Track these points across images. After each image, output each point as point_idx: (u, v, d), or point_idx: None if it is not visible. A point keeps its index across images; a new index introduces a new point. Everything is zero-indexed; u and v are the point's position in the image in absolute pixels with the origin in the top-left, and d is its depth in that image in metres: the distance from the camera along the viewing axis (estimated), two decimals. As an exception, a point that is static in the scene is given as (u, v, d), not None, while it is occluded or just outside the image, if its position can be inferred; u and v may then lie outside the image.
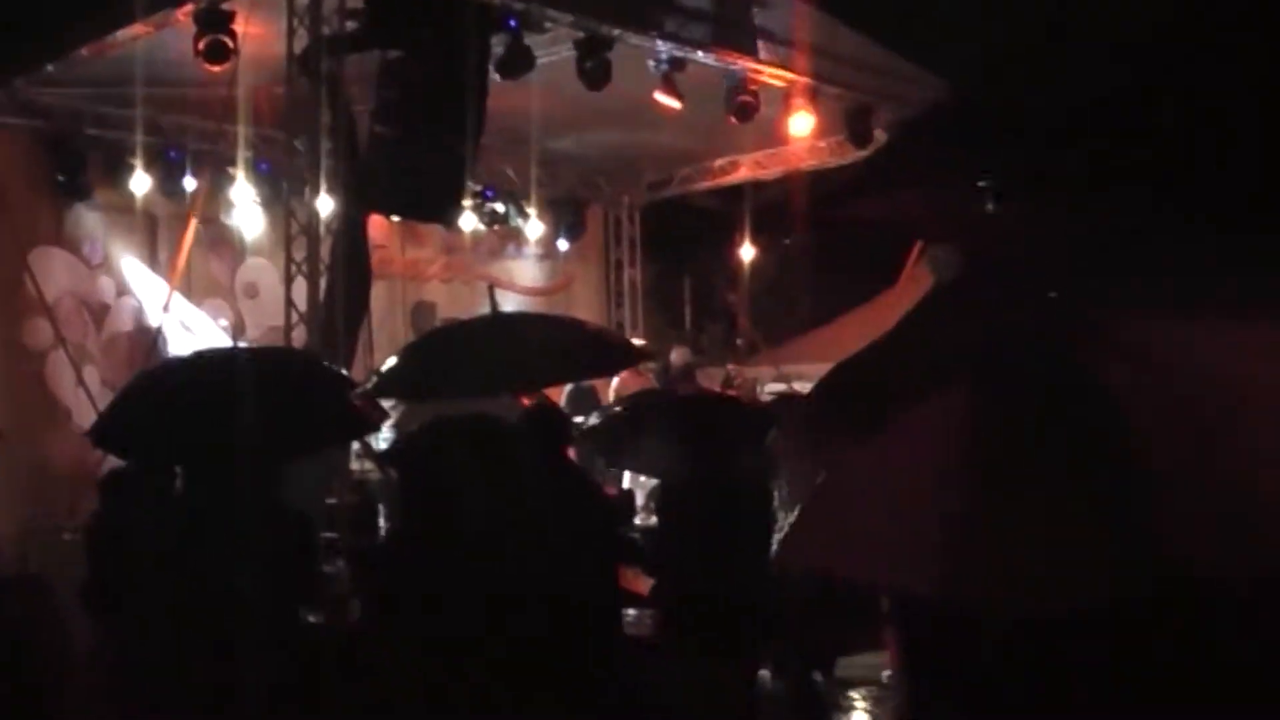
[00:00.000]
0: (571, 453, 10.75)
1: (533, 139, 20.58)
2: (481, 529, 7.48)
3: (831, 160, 21.40)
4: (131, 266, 18.90)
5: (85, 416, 16.70)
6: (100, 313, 18.52)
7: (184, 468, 9.51)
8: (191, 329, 18.96)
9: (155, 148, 18.48)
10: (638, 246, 24.96)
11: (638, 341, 22.59)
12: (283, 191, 15.82)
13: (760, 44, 17.11)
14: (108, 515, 10.09)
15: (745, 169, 22.49)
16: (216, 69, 14.88)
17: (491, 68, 15.09)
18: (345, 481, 13.99)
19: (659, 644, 10.03)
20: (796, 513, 4.66)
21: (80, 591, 9.87)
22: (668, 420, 11.21)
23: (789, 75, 17.75)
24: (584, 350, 14.10)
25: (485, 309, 20.49)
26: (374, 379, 13.51)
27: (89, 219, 18.57)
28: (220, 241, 19.56)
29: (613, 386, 17.77)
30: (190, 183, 18.57)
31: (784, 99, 18.16)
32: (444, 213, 17.18)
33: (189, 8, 14.65)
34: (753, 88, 17.54)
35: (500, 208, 22.37)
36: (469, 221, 21.62)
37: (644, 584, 10.51)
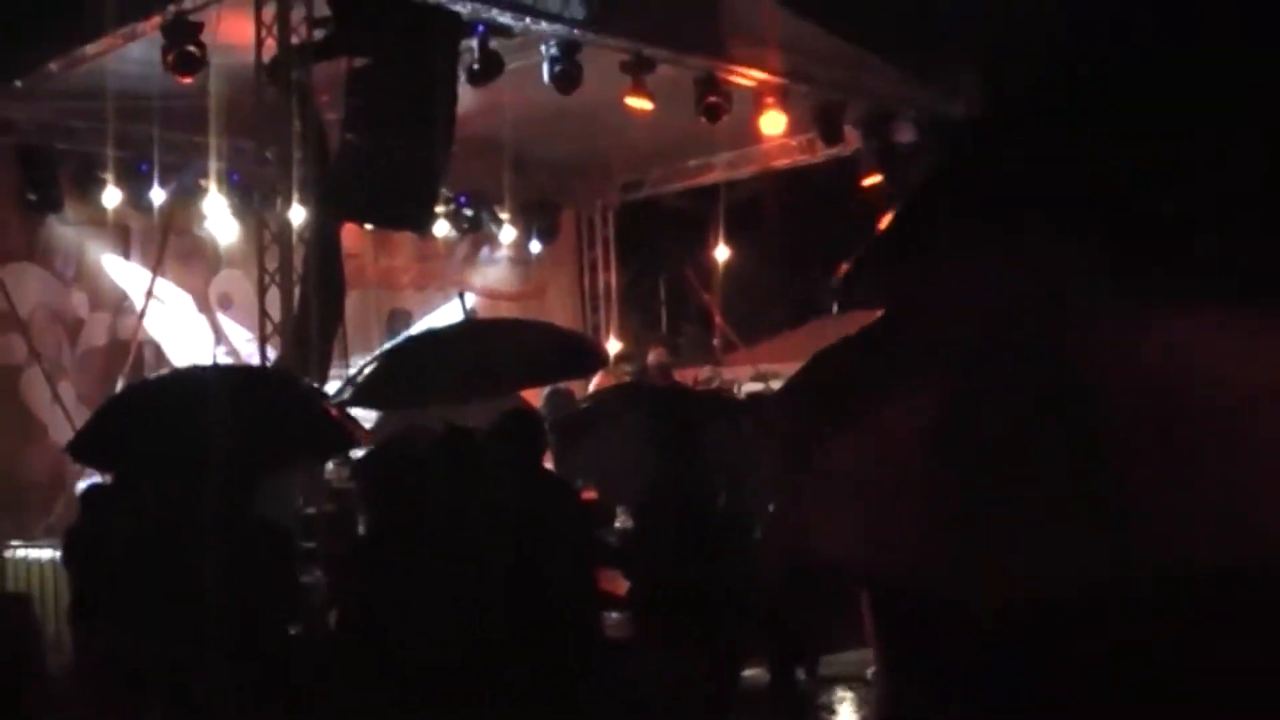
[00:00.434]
0: (548, 457, 10.75)
1: (504, 143, 20.57)
2: (454, 536, 7.48)
3: (803, 158, 21.41)
4: (110, 262, 18.87)
5: (61, 432, 16.67)
6: (74, 327, 18.49)
7: (162, 481, 9.50)
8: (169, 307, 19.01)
9: (126, 160, 18.45)
10: (612, 249, 24.93)
11: (614, 344, 22.66)
12: (255, 201, 15.80)
13: (729, 43, 17.09)
14: (87, 527, 10.08)
15: (718, 169, 22.49)
16: (186, 80, 14.85)
17: (461, 74, 15.07)
18: (323, 490, 13.94)
19: (638, 645, 10.02)
20: (780, 498, 4.69)
21: (68, 610, 9.88)
22: (640, 415, 11.23)
23: (758, 74, 17.74)
24: (557, 354, 14.15)
25: (459, 316, 20.69)
26: (348, 389, 13.53)
27: (61, 233, 18.53)
28: (193, 253, 19.51)
29: (590, 389, 17.77)
30: (161, 195, 18.51)
31: (754, 98, 18.15)
32: (416, 220, 17.15)
33: (156, 20, 14.61)
34: (722, 87, 17.52)
35: (473, 213, 22.34)
36: (442, 228, 21.62)
37: (623, 586, 10.52)
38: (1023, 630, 4.28)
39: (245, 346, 18.72)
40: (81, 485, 12.57)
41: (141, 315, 17.16)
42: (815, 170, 21.91)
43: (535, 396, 15.85)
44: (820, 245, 25.84)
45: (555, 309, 23.83)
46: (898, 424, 4.55)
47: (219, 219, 19.03)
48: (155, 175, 18.46)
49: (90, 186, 18.40)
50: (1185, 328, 4.29)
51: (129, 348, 17.96)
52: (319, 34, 14.08)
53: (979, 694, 4.52)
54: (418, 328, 20.93)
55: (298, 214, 14.36)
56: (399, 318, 21.59)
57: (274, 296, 14.10)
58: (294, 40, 13.88)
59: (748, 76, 17.69)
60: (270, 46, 13.96)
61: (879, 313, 5.01)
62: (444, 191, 18.56)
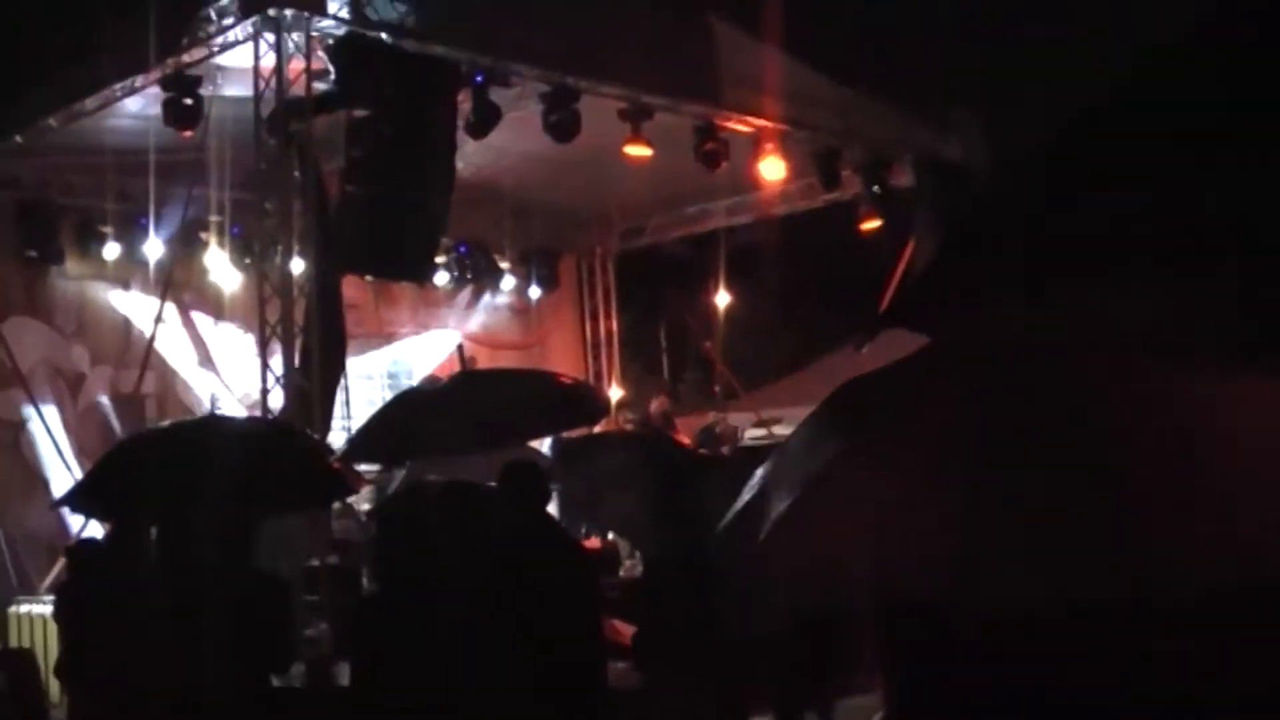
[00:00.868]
0: (552, 508, 10.72)
1: (504, 192, 20.62)
2: (462, 591, 7.46)
3: (802, 203, 21.43)
4: (116, 297, 18.89)
5: (63, 486, 16.64)
6: (76, 381, 18.48)
7: (158, 532, 9.48)
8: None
9: (126, 214, 18.48)
10: (613, 296, 24.97)
11: (615, 390, 22.64)
12: (255, 254, 15.81)
13: (726, 90, 17.11)
14: (76, 583, 10.04)
15: (717, 216, 22.51)
16: (186, 133, 14.89)
17: (460, 124, 15.10)
18: (326, 543, 13.92)
19: (644, 694, 9.97)
20: (783, 508, 4.72)
21: (56, 664, 9.84)
22: (647, 463, 11.22)
23: (756, 121, 17.77)
24: (559, 404, 14.11)
25: (458, 366, 20.69)
26: (349, 443, 13.51)
27: (62, 287, 18.54)
28: (194, 306, 19.53)
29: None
30: (161, 249, 18.52)
31: (753, 144, 18.18)
32: (417, 269, 17.18)
33: (155, 74, 14.66)
34: (720, 134, 17.55)
35: (473, 262, 22.37)
36: (442, 277, 21.65)
37: (628, 635, 10.48)
38: (1025, 643, 4.30)
39: (246, 398, 18.71)
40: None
41: (151, 340, 17.08)
42: (814, 215, 21.89)
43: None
44: (820, 290, 25.94)
45: (556, 356, 23.84)
46: (908, 442, 4.59)
47: (220, 272, 19.09)
48: (155, 229, 18.46)
49: (90, 240, 18.43)
50: (1193, 370, 4.33)
51: (130, 401, 17.92)
52: (318, 87, 14.11)
53: (980, 707, 4.54)
54: (418, 378, 20.93)
55: (298, 265, 14.37)
56: (400, 368, 21.58)
57: (275, 348, 14.09)
58: (293, 93, 13.90)
59: (746, 123, 17.71)
60: (269, 100, 13.99)
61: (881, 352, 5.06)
62: (444, 240, 18.56)
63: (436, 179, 14.73)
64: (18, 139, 16.60)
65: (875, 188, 19.90)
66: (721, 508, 9.54)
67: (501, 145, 16.14)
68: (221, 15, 14.00)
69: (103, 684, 8.86)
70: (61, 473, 17.23)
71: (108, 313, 18.95)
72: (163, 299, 16.95)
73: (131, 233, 18.49)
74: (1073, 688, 4.35)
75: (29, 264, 18.19)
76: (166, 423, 16.40)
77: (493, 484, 9.18)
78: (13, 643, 14.84)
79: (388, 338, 21.62)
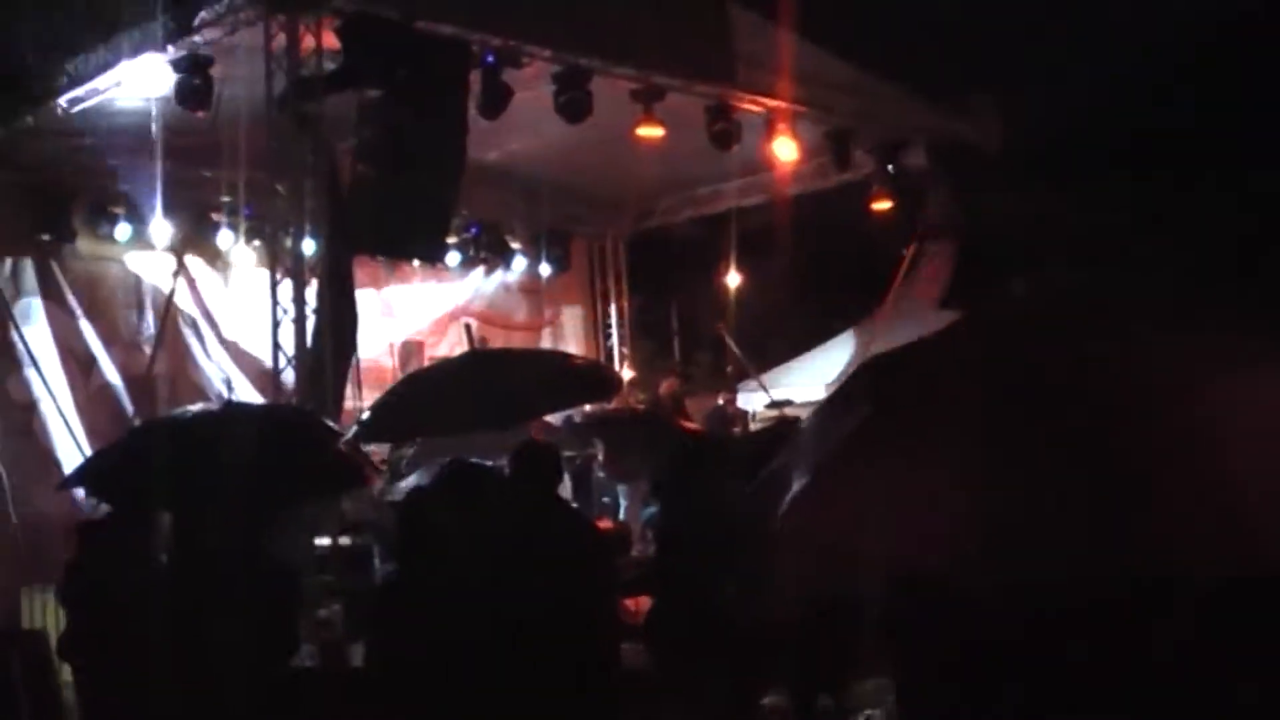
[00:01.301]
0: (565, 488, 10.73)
1: (516, 173, 20.60)
2: (478, 572, 7.46)
3: (814, 184, 21.37)
4: (132, 259, 18.91)
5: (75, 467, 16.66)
6: (87, 363, 18.45)
7: (167, 515, 9.47)
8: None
9: (137, 195, 18.46)
10: (624, 277, 24.97)
11: (626, 372, 22.64)
12: (267, 234, 15.81)
13: (739, 70, 17.07)
14: (85, 564, 10.02)
15: (729, 197, 22.45)
16: (198, 114, 14.88)
17: (471, 104, 15.07)
18: (337, 523, 13.92)
19: (658, 673, 9.97)
20: (801, 485, 4.73)
21: (59, 642, 9.84)
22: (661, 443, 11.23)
23: (768, 101, 17.73)
24: (571, 378, 14.11)
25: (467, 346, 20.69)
26: (360, 424, 13.50)
27: (74, 269, 18.53)
28: (205, 287, 19.54)
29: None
30: (173, 230, 18.55)
31: (765, 125, 18.14)
32: (429, 250, 17.17)
33: (166, 55, 14.65)
34: (732, 115, 17.52)
35: (485, 242, 22.36)
36: (454, 258, 21.63)
37: (642, 615, 10.49)
38: (1038, 631, 4.30)
39: (258, 380, 18.72)
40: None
41: (163, 322, 17.02)
42: (826, 196, 21.83)
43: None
44: (832, 271, 25.90)
45: (568, 338, 23.88)
46: (929, 423, 4.59)
47: (231, 253, 19.12)
48: (167, 210, 18.47)
49: (102, 222, 18.42)
50: (1206, 347, 4.32)
51: (142, 383, 17.92)
52: (329, 66, 14.08)
53: (990, 688, 4.54)
54: (429, 359, 20.93)
55: (310, 246, 14.37)
56: (410, 348, 21.56)
57: (286, 329, 14.08)
58: (304, 73, 13.88)
59: (758, 104, 17.68)
60: (280, 79, 13.97)
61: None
62: (456, 221, 18.53)
63: (448, 159, 14.71)
64: (29, 120, 16.60)
65: (888, 168, 19.86)
66: (732, 489, 9.56)
67: (512, 126, 16.09)
68: (233, -4, 13.99)
69: (110, 665, 8.85)
70: (74, 454, 17.20)
71: (120, 294, 18.94)
72: (174, 280, 16.93)
73: (143, 214, 18.47)
74: (1084, 665, 4.35)
75: (41, 245, 18.18)
76: (187, 408, 16.40)
77: (504, 464, 9.20)
78: (25, 625, 14.85)
79: (399, 317, 21.62)
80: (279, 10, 13.79)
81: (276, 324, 14.11)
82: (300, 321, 13.97)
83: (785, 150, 18.53)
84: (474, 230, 22.01)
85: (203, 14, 14.19)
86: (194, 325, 19.37)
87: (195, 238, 18.81)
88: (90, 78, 15.57)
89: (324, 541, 13.66)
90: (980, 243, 20.34)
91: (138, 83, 15.42)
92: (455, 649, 7.38)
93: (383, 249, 16.78)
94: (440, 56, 14.60)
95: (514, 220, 22.95)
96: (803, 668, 10.62)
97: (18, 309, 17.81)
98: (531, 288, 23.68)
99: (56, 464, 17.58)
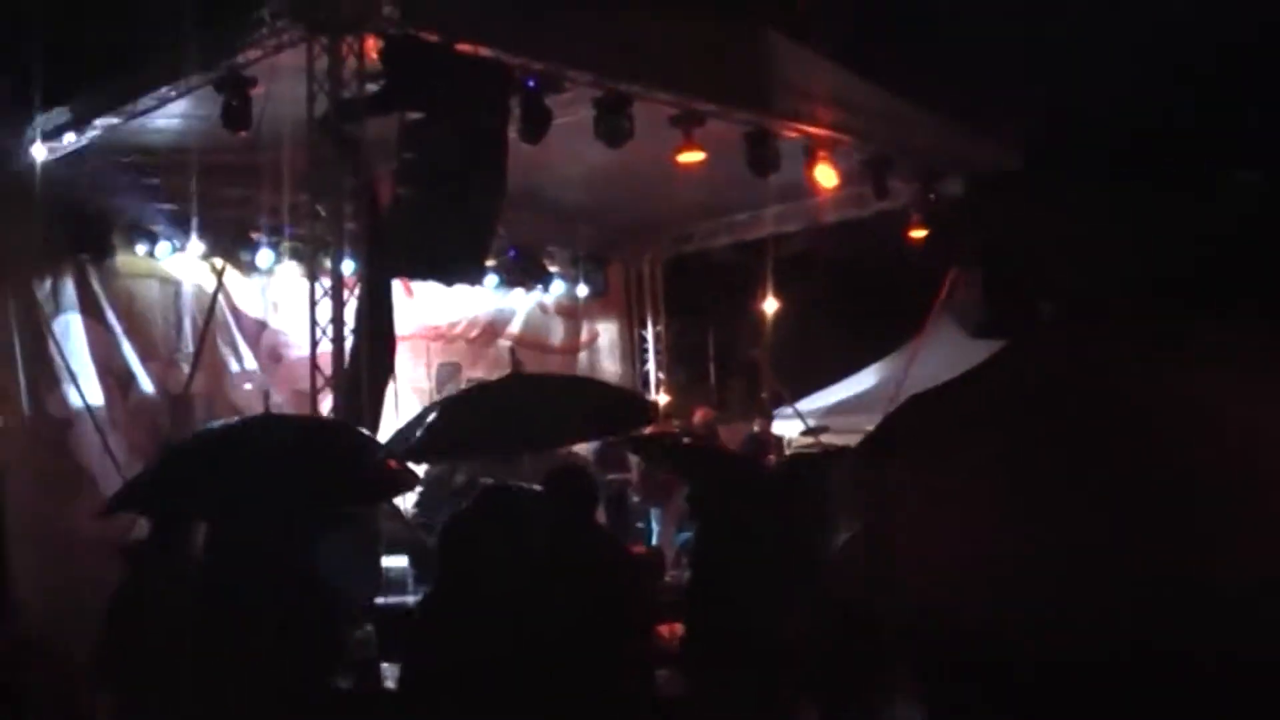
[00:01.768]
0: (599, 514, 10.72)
1: (555, 197, 20.64)
2: (513, 595, 7.47)
3: (852, 212, 21.35)
4: (168, 295, 18.96)
5: (111, 484, 16.68)
6: (125, 380, 18.50)
7: (209, 531, 9.50)
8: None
9: (177, 214, 18.55)
10: (660, 302, 24.98)
11: (661, 397, 22.64)
12: (306, 256, 15.86)
13: (778, 97, 17.08)
14: (132, 584, 10.06)
15: (767, 223, 22.44)
16: (239, 134, 14.93)
17: (512, 128, 15.10)
18: (374, 544, 13.93)
19: (691, 700, 9.96)
20: (845, 539, 4.73)
21: (97, 661, 9.87)
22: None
23: (808, 129, 17.73)
24: (607, 407, 14.11)
25: (508, 369, 20.73)
26: (398, 441, 13.52)
27: (113, 286, 18.58)
28: (244, 306, 19.60)
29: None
30: (213, 249, 18.66)
31: (804, 152, 18.13)
32: (467, 273, 17.20)
33: (209, 75, 14.72)
34: (772, 142, 17.51)
35: (523, 266, 22.41)
36: (492, 280, 21.68)
37: (676, 641, 10.48)
38: (1067, 690, 4.26)
39: (294, 400, 18.77)
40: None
41: (201, 340, 16.98)
42: (863, 223, 21.81)
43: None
44: (869, 299, 25.89)
45: (603, 361, 23.90)
46: (966, 475, 4.56)
47: (269, 272, 19.21)
48: (207, 229, 18.58)
49: (141, 239, 18.48)
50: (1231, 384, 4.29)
51: (180, 401, 17.96)
52: (370, 88, 14.12)
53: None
54: (466, 381, 20.97)
55: (349, 267, 14.41)
56: (447, 371, 21.59)
57: (325, 350, 14.11)
58: (346, 94, 13.92)
59: (798, 130, 17.68)
60: (322, 101, 14.00)
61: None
62: (494, 244, 18.55)
63: (488, 183, 14.72)
64: (71, 137, 16.68)
65: (926, 197, 19.84)
66: (767, 515, 9.54)
67: (551, 149, 16.09)
68: (276, 17, 14.03)
69: (149, 684, 8.88)
70: (110, 471, 17.27)
71: (158, 312, 18.99)
72: (213, 299, 16.97)
73: (183, 232, 18.56)
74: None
75: (80, 263, 18.24)
76: (224, 421, 16.44)
77: (538, 487, 9.21)
78: (54, 640, 14.87)
79: (437, 340, 21.65)
80: (321, 31, 13.83)
81: (315, 344, 14.14)
82: (339, 342, 13.99)
83: (824, 177, 18.52)
84: (512, 253, 22.05)
85: (245, 35, 14.27)
86: (232, 344, 19.41)
87: (235, 256, 18.85)
88: (132, 98, 15.65)
89: (390, 563, 13.68)
90: (1011, 268, 20.31)
91: (179, 102, 15.50)
92: (489, 671, 7.38)
93: (421, 272, 16.80)
94: (482, 80, 14.63)
95: (552, 244, 23.00)
96: (835, 697, 10.61)
97: (56, 325, 17.87)
98: (568, 311, 23.71)
99: (92, 480, 17.63)
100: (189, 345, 18.59)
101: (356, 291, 14.24)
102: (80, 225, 18.02)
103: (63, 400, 17.78)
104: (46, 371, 17.71)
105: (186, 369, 18.07)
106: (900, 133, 18.64)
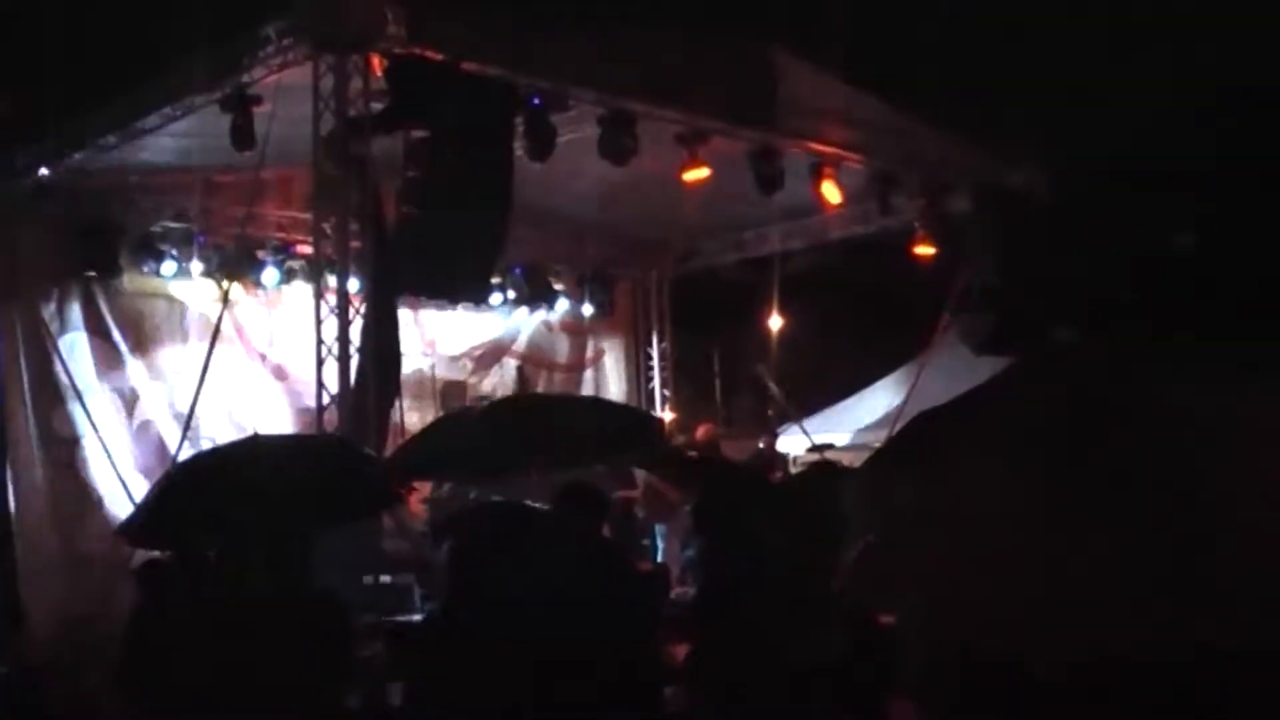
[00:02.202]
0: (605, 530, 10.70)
1: (561, 215, 20.64)
2: (521, 613, 7.46)
3: (858, 228, 21.34)
4: (174, 314, 18.99)
5: (118, 503, 16.73)
6: (131, 399, 18.51)
7: (216, 556, 9.52)
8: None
9: (183, 232, 18.59)
10: (666, 319, 24.97)
11: (668, 414, 22.62)
12: (312, 273, 15.87)
13: (784, 115, 17.07)
14: (146, 604, 10.08)
15: (773, 240, 22.41)
16: (245, 152, 14.94)
17: (517, 146, 15.11)
18: (379, 562, 13.92)
19: (701, 716, 9.93)
20: (857, 552, 4.72)
21: (118, 678, 9.87)
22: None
23: (813, 145, 17.74)
24: (616, 431, 14.07)
25: (514, 388, 20.73)
26: (402, 458, 13.50)
27: (119, 304, 18.60)
28: (250, 324, 19.61)
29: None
30: (220, 267, 18.67)
31: (810, 169, 18.13)
32: (473, 291, 17.21)
33: (215, 93, 14.74)
34: (777, 160, 17.50)
35: (528, 284, 22.40)
36: (498, 298, 21.67)
37: (681, 658, 10.45)
38: (1088, 689, 4.24)
39: (301, 418, 18.78)
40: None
41: (207, 359, 16.96)
42: (869, 240, 21.80)
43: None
44: (875, 315, 25.89)
45: (609, 378, 23.89)
46: (979, 486, 4.55)
47: (275, 291, 19.23)
48: (213, 247, 18.61)
49: (148, 258, 18.50)
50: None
51: (186, 420, 17.96)
52: (376, 107, 14.13)
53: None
54: (471, 399, 20.95)
55: (354, 285, 14.41)
56: (454, 389, 21.58)
57: (331, 368, 14.11)
58: (351, 113, 13.93)
59: (804, 148, 17.68)
60: (328, 120, 14.02)
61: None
62: (500, 262, 18.55)
63: (494, 201, 14.74)
64: (77, 156, 16.71)
65: (932, 214, 19.83)
66: (774, 531, 9.52)
67: (556, 166, 16.09)
68: (282, 35, 14.05)
69: (163, 705, 8.89)
70: (117, 491, 17.27)
71: (165, 331, 19.01)
72: (219, 318, 16.97)
73: (189, 250, 18.59)
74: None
75: (86, 281, 18.26)
76: (212, 445, 16.43)
77: (547, 505, 9.21)
78: (65, 659, 14.88)
79: (443, 357, 21.63)
80: (327, 50, 13.85)
81: (321, 362, 14.14)
82: (345, 360, 14.00)
83: (830, 194, 18.51)
84: (517, 271, 22.05)
85: (251, 53, 14.30)
86: (239, 362, 19.41)
87: (240, 274, 18.84)
88: (138, 116, 15.67)
89: (366, 581, 13.66)
90: (1022, 289, 20.31)
91: (185, 120, 15.52)
92: (496, 689, 7.38)
93: (427, 290, 16.81)
94: (487, 98, 14.65)
95: (558, 261, 23.00)
96: (844, 715, 10.59)
97: (63, 344, 17.89)
98: (574, 328, 23.70)
99: (98, 500, 17.66)
100: (195, 364, 18.55)
101: (362, 310, 14.25)
102: (86, 244, 18.04)
103: (69, 419, 17.79)
104: (52, 390, 17.72)
105: (192, 388, 18.06)
106: (907, 148, 18.63)
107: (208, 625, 8.72)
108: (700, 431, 20.24)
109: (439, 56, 14.15)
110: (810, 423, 22.54)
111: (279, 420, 19.34)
